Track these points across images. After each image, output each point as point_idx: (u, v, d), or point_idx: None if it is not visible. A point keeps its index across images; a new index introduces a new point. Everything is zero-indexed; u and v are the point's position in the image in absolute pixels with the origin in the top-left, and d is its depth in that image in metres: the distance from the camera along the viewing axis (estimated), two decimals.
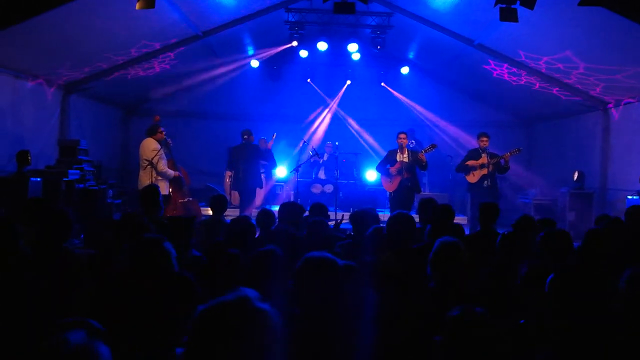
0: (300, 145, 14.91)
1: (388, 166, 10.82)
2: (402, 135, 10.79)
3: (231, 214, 10.88)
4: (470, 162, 10.86)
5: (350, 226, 6.47)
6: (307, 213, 6.97)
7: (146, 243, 3.48)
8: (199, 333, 1.87)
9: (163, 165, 9.78)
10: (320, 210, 6.84)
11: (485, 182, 10.65)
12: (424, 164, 10.64)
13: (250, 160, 11.59)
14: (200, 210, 10.58)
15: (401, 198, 10.63)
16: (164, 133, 10.07)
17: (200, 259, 4.96)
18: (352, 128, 15.82)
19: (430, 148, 10.77)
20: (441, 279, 3.77)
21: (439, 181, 14.90)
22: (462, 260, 3.75)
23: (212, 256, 4.87)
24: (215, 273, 4.45)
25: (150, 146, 9.86)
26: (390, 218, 5.11)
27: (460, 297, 3.53)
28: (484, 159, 10.68)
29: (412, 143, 11.95)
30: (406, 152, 10.73)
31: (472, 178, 10.83)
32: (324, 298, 2.89)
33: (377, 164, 11.35)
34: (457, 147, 14.73)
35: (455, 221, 12.60)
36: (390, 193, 11.02)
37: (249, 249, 4.88)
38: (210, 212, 7.63)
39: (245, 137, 11.90)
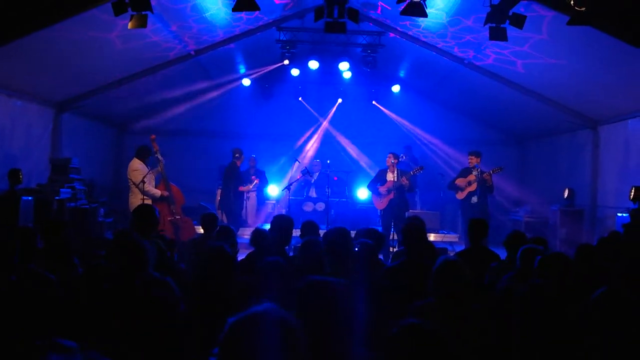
0: (295, 165, 14.87)
1: (378, 185, 11.12)
2: (390, 156, 11.24)
3: None
4: (458, 180, 11.12)
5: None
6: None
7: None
8: (231, 341, 1.99)
9: (148, 186, 9.88)
10: (311, 228, 6.81)
11: (472, 198, 10.85)
12: (406, 188, 11.05)
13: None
14: (194, 228, 10.57)
15: (392, 216, 11.06)
16: (149, 154, 10.23)
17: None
18: (344, 146, 15.85)
19: (417, 170, 11.29)
20: (442, 295, 3.84)
21: (430, 199, 14.91)
22: (465, 278, 3.84)
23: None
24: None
25: (132, 166, 10.09)
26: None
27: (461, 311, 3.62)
28: (471, 176, 10.89)
29: (402, 157, 12.10)
30: (396, 172, 11.09)
31: (461, 195, 11.15)
32: (324, 318, 2.97)
33: (368, 182, 11.79)
34: (448, 165, 14.80)
35: (447, 238, 12.83)
36: (380, 211, 11.50)
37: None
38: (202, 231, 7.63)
39: (237, 155, 12.07)
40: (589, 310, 3.58)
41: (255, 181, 13.14)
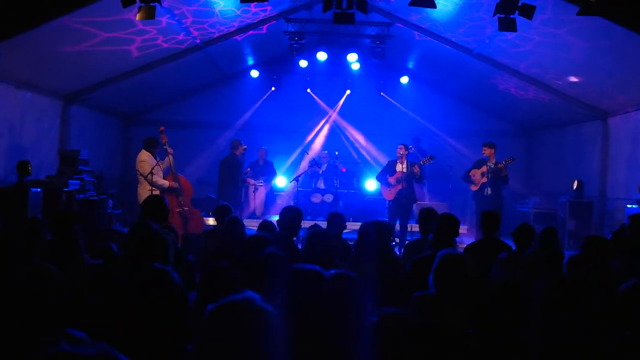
0: (299, 154, 14.86)
1: (387, 175, 11.13)
2: (401, 147, 11.25)
3: None
4: (472, 172, 11.09)
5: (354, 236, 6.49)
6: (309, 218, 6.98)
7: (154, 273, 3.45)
8: (208, 329, 2.02)
9: (156, 177, 9.90)
10: (337, 220, 6.85)
11: (486, 190, 10.80)
12: (417, 176, 11.05)
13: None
14: (202, 220, 10.60)
15: (399, 207, 11.10)
16: (157, 145, 10.27)
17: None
18: (352, 138, 15.83)
19: (427, 160, 11.31)
20: (443, 289, 3.79)
21: (439, 190, 14.88)
22: (466, 273, 3.79)
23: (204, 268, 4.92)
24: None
25: (140, 158, 10.13)
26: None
27: (462, 305, 3.58)
28: (485, 167, 10.86)
29: (411, 149, 12.07)
30: (405, 163, 11.06)
31: (474, 187, 11.08)
32: (311, 307, 3.00)
33: (378, 173, 11.82)
34: (457, 157, 14.76)
35: None
36: (388, 202, 11.49)
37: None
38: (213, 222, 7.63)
39: (244, 147, 12.15)
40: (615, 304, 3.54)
41: (256, 182, 13.36)
